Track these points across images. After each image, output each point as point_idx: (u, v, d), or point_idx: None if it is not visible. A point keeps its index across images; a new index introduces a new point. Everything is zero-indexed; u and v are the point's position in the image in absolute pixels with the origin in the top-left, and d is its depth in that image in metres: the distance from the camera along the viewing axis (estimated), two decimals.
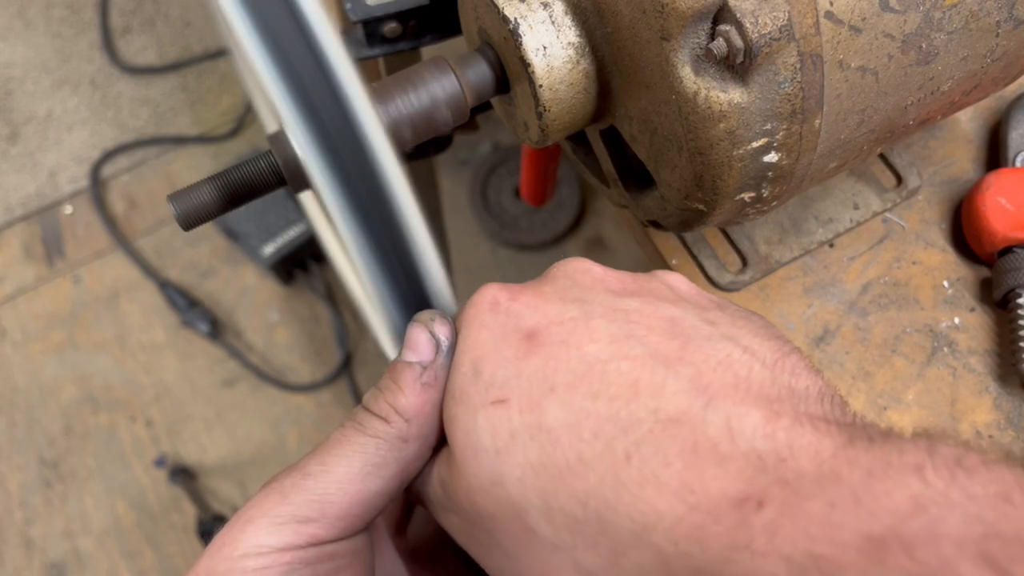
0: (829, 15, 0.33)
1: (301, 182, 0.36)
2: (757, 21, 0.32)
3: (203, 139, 1.59)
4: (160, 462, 1.35)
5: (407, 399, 0.27)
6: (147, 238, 1.51)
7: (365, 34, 0.50)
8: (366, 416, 0.28)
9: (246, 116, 1.59)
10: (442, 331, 0.29)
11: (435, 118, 0.39)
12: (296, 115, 0.26)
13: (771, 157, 0.35)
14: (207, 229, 1.48)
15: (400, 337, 0.31)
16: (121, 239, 1.50)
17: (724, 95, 0.33)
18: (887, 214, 0.52)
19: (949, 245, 0.51)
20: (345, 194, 0.27)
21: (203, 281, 1.48)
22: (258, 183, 0.37)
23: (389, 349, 0.34)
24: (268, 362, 1.42)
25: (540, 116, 0.39)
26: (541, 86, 0.38)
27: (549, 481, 0.24)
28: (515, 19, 0.37)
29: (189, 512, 1.31)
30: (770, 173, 0.36)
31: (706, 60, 0.33)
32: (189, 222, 0.36)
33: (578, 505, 0.23)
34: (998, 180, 0.48)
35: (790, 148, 0.36)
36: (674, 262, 0.51)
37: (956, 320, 0.49)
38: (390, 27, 0.50)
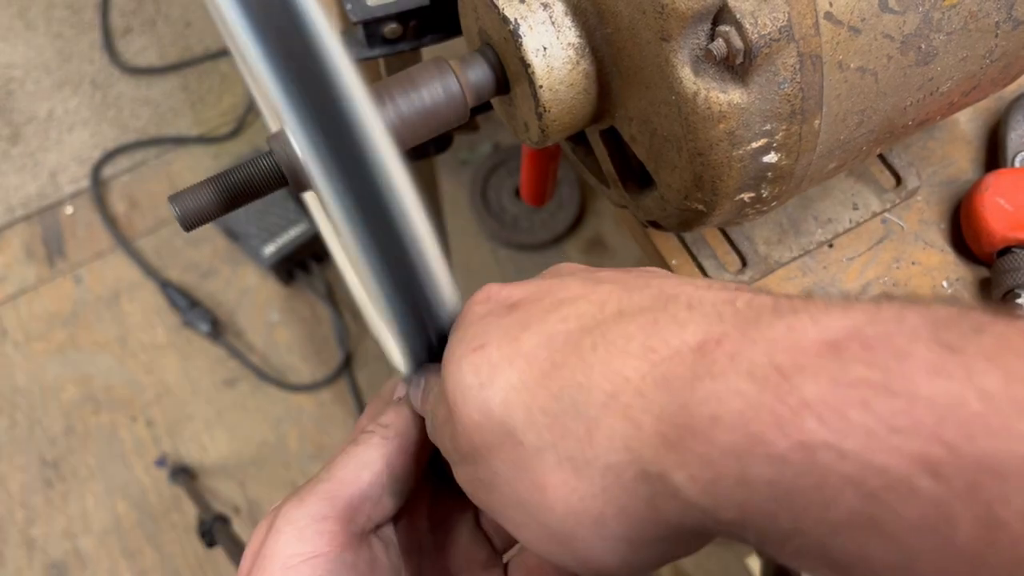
0: (829, 16, 0.33)
1: (302, 183, 0.37)
2: (757, 22, 0.32)
3: (204, 139, 1.59)
4: (161, 462, 1.36)
5: (387, 415, 0.34)
6: (148, 238, 1.51)
7: (365, 35, 0.50)
8: (359, 434, 0.33)
9: (247, 116, 1.59)
10: (410, 378, 0.34)
11: (435, 118, 0.39)
12: (297, 115, 0.26)
13: (770, 157, 0.36)
14: (208, 229, 1.48)
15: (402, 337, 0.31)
16: (122, 239, 1.50)
17: (724, 96, 0.34)
18: (886, 214, 0.52)
19: (948, 245, 0.51)
20: (346, 195, 0.27)
21: (204, 281, 1.48)
22: (259, 184, 0.37)
23: (391, 350, 0.35)
24: (269, 362, 1.42)
25: (540, 117, 0.39)
26: (541, 87, 0.38)
27: (528, 394, 0.25)
28: (515, 20, 0.37)
29: (190, 512, 1.31)
30: (769, 173, 0.36)
31: (706, 61, 0.33)
32: (190, 223, 0.36)
33: (554, 401, 0.25)
34: (997, 180, 0.49)
35: (789, 149, 0.36)
36: (674, 262, 0.51)
37: None
38: (390, 28, 0.50)
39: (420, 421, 0.33)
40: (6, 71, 1.63)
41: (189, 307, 1.43)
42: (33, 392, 1.41)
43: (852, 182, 0.52)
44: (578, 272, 0.31)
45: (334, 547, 0.30)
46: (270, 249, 1.41)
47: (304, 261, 1.45)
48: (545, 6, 0.38)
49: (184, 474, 1.32)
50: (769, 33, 0.32)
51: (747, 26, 0.32)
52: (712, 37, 0.33)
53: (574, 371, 0.25)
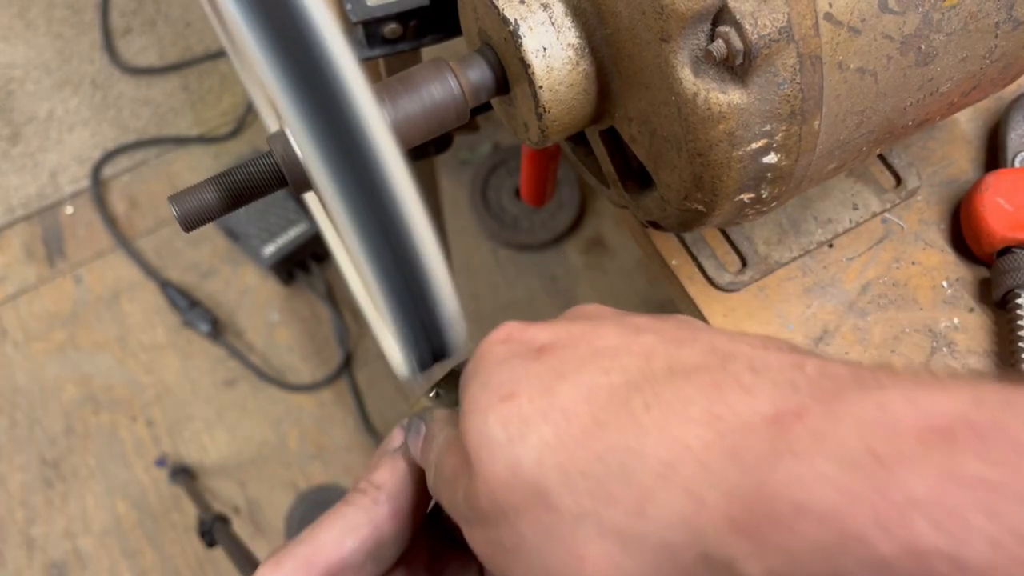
0: (828, 16, 0.33)
1: (302, 183, 0.37)
2: (756, 22, 0.32)
3: (204, 139, 1.59)
4: (161, 462, 1.36)
5: (379, 472, 0.32)
6: (148, 238, 1.52)
7: (365, 35, 0.50)
8: (351, 492, 0.32)
9: (247, 116, 1.59)
10: (409, 424, 0.33)
11: (435, 119, 0.39)
12: (298, 113, 0.25)
13: (770, 158, 0.36)
14: (208, 229, 1.48)
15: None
16: (122, 239, 1.50)
17: (723, 96, 0.34)
18: (886, 214, 0.52)
19: (948, 245, 0.51)
20: (347, 194, 0.27)
21: (204, 281, 1.48)
22: (259, 184, 0.37)
23: (391, 350, 0.34)
24: (269, 362, 1.42)
25: (540, 117, 0.39)
26: (541, 87, 0.38)
27: (565, 453, 0.23)
28: (515, 20, 0.38)
29: (190, 512, 1.31)
30: (769, 174, 0.36)
31: (705, 61, 0.33)
32: (190, 223, 0.36)
33: (598, 463, 0.22)
34: (997, 180, 0.49)
35: (789, 149, 0.36)
36: (673, 262, 0.51)
37: (955, 320, 0.49)
38: (390, 28, 0.50)
39: (418, 474, 0.32)
40: (6, 71, 1.63)
41: (189, 307, 1.43)
42: (33, 392, 1.41)
43: (852, 182, 0.52)
44: (609, 316, 0.29)
45: None
46: (270, 249, 1.42)
47: (304, 261, 1.45)
48: (545, 7, 0.38)
49: (184, 474, 1.32)
50: (769, 34, 0.32)
51: (747, 27, 0.32)
52: (712, 38, 0.33)
53: (623, 432, 0.22)
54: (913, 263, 0.51)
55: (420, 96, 0.38)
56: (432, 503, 0.33)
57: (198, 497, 1.24)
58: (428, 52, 0.51)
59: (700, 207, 0.38)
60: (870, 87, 0.36)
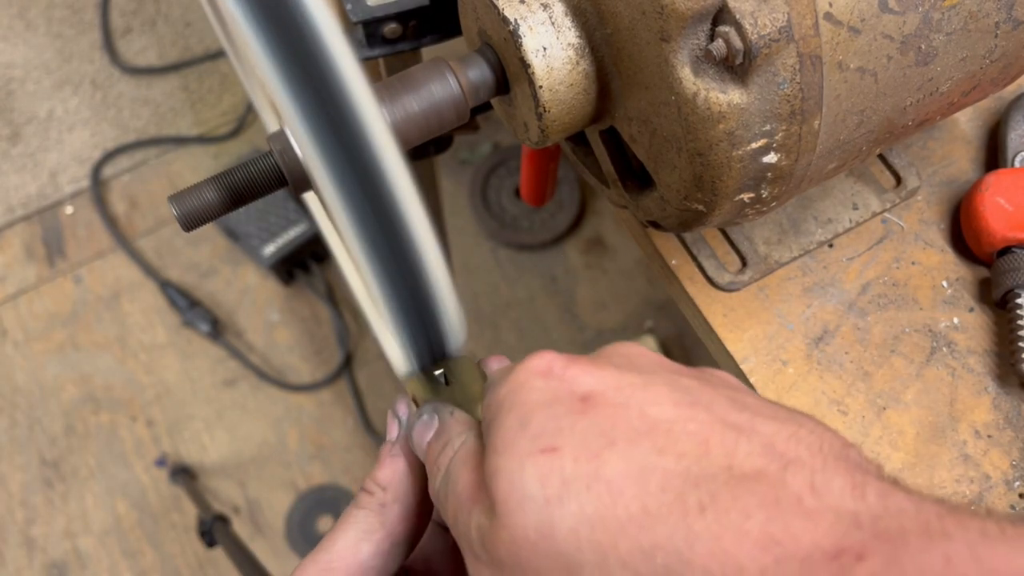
0: (828, 16, 0.33)
1: (302, 183, 0.37)
2: (756, 22, 0.32)
3: (204, 139, 1.59)
4: (161, 462, 1.36)
5: (382, 471, 0.32)
6: (148, 238, 1.52)
7: (365, 35, 0.50)
8: (359, 493, 0.32)
9: (247, 116, 1.59)
10: (400, 409, 0.33)
11: (435, 119, 0.39)
12: (298, 113, 0.25)
13: (770, 158, 0.36)
14: (208, 229, 1.48)
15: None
16: (122, 239, 1.50)
17: (723, 96, 0.34)
18: (886, 214, 0.52)
19: (948, 245, 0.51)
20: (348, 195, 0.26)
21: (204, 281, 1.48)
22: (259, 184, 0.37)
23: (391, 350, 0.34)
24: (269, 362, 1.42)
25: (540, 117, 0.39)
26: (541, 87, 0.38)
27: (607, 535, 0.22)
28: (515, 20, 0.38)
29: (190, 512, 1.31)
30: (769, 174, 0.36)
31: (705, 61, 0.33)
32: (190, 223, 0.36)
33: (643, 559, 0.21)
34: (997, 180, 0.49)
35: (789, 149, 0.36)
36: (673, 262, 0.51)
37: (955, 320, 0.49)
38: (390, 28, 0.50)
39: (419, 469, 0.32)
40: (6, 71, 1.63)
41: (189, 307, 1.43)
42: (33, 392, 1.41)
43: (852, 182, 0.52)
44: (656, 369, 0.27)
45: None
46: (270, 249, 1.42)
47: (304, 261, 1.45)
48: (545, 6, 0.38)
49: (184, 474, 1.32)
50: (769, 33, 0.32)
51: (747, 26, 0.32)
52: (712, 37, 0.33)
53: (673, 533, 0.21)
54: (913, 263, 0.51)
55: (420, 96, 0.38)
56: None
57: (198, 497, 1.24)
58: (428, 52, 0.51)
59: (700, 207, 0.38)
60: (870, 87, 0.36)
